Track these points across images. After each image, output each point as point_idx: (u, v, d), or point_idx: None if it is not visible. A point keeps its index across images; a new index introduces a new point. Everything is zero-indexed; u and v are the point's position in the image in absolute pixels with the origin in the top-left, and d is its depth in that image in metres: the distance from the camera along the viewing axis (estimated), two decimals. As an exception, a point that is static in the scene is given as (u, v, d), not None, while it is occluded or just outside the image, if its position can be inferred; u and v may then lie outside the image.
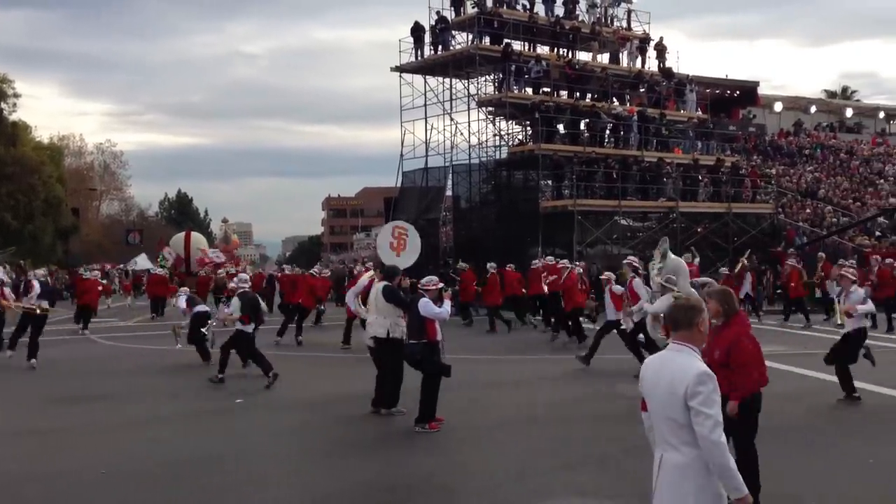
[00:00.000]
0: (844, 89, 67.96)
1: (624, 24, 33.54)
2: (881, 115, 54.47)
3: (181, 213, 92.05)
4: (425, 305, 9.37)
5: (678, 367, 3.84)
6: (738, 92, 46.42)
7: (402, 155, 32.44)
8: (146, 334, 21.44)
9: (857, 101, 61.83)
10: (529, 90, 29.57)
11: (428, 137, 31.86)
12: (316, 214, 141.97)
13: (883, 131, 52.63)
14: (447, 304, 9.75)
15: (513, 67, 28.53)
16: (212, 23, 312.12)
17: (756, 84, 47.70)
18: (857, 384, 10.89)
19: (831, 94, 64.18)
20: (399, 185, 33.09)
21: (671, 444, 3.84)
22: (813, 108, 52.06)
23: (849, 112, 54.50)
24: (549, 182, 29.39)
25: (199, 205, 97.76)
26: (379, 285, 10.47)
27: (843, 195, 37.10)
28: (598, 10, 32.87)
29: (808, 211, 34.39)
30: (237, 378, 13.20)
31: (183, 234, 39.37)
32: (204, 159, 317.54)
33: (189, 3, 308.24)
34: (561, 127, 29.34)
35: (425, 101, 31.54)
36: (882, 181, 40.23)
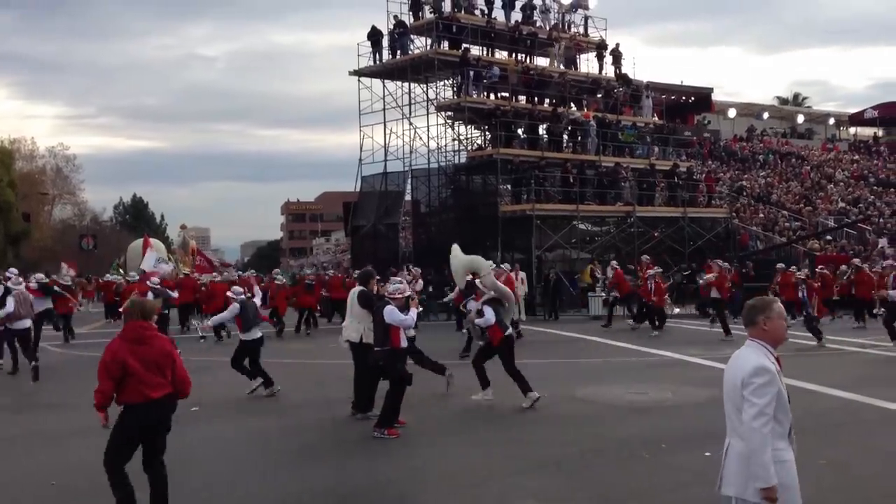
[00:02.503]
0: (796, 96, 69.41)
1: (581, 30, 33.86)
2: (831, 121, 55.78)
3: (136, 217, 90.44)
4: (390, 313, 9.37)
5: (743, 360, 4.16)
6: (692, 98, 47.19)
7: (361, 159, 32.40)
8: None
9: (809, 107, 63.24)
10: (495, 95, 29.71)
11: (387, 142, 31.88)
12: (275, 219, 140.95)
13: (833, 137, 53.89)
14: (413, 312, 9.75)
15: (471, 72, 28.62)
16: (167, 25, 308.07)
17: (710, 90, 48.55)
18: (808, 386, 11.07)
19: (783, 101, 65.48)
20: (358, 189, 32.98)
21: (738, 433, 4.13)
22: (765, 115, 53.13)
23: (800, 118, 55.72)
24: (508, 187, 29.53)
25: (155, 209, 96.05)
26: (355, 290, 10.57)
27: (794, 200, 37.86)
28: (556, 16, 33.14)
29: (761, 215, 35.01)
30: (197, 385, 12.99)
31: (141, 240, 38.62)
32: (160, 163, 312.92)
33: (144, 5, 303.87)
34: (520, 131, 29.51)
35: (384, 106, 31.55)
36: (832, 186, 41.17)
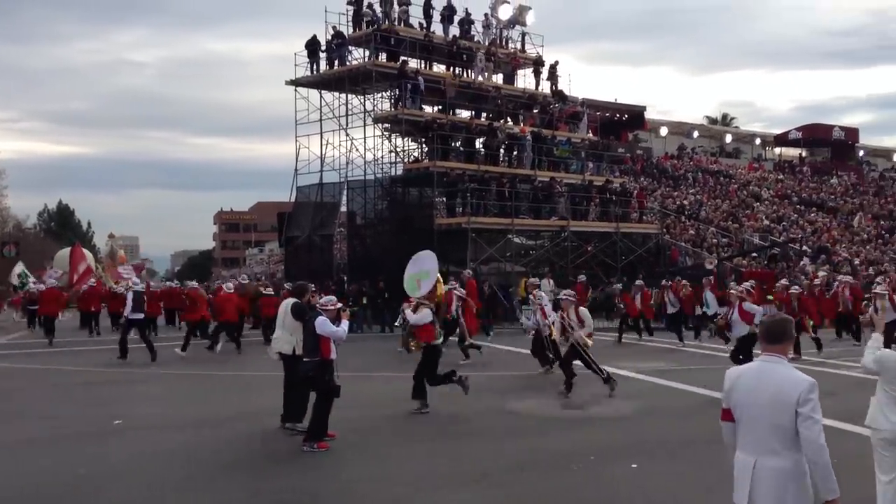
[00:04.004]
0: (724, 116, 71.40)
1: (518, 45, 34.24)
2: (757, 141, 57.56)
3: (62, 225, 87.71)
4: (322, 324, 9.31)
5: (783, 376, 4.14)
6: (626, 116, 48.14)
7: (296, 169, 32.06)
8: (27, 352, 20.31)
9: (736, 127, 65.16)
10: (427, 108, 29.78)
11: (323, 152, 31.64)
12: (207, 228, 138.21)
13: (759, 157, 55.58)
14: (345, 324, 9.69)
15: (409, 84, 28.66)
16: (97, 29, 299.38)
17: (643, 109, 49.62)
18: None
19: (712, 121, 67.32)
20: (293, 199, 32.64)
21: (773, 450, 4.07)
22: (696, 134, 54.53)
23: (728, 138, 57.37)
24: (444, 199, 29.60)
25: (82, 217, 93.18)
26: (288, 301, 10.53)
27: (722, 217, 38.88)
28: (494, 31, 33.45)
29: (691, 232, 35.82)
30: (117, 400, 12.66)
31: (68, 249, 37.50)
32: (87, 169, 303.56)
33: (73, 9, 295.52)
34: (457, 145, 29.65)
35: (321, 116, 31.34)
36: (758, 204, 42.42)
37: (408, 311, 11.80)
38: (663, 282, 23.21)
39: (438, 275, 13.72)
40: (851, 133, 58.04)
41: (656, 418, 11.13)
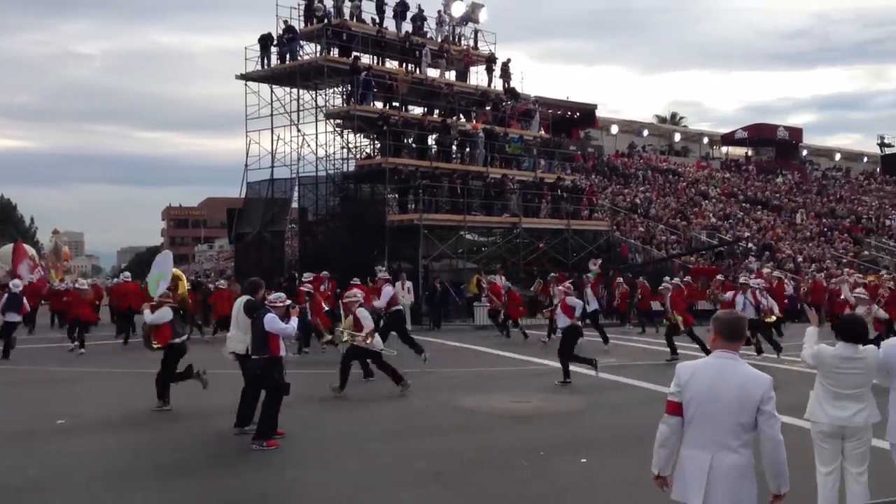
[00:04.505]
0: (673, 115, 72.38)
1: (471, 43, 34.31)
2: (705, 140, 58.53)
3: (4, 220, 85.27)
4: (271, 321, 9.22)
5: (745, 374, 4.17)
6: (578, 114, 48.51)
7: (246, 165, 31.70)
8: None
9: (685, 127, 66.12)
10: (380, 104, 29.67)
11: (274, 148, 31.31)
12: (155, 224, 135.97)
13: (707, 156, 56.51)
14: (294, 321, 9.62)
15: (361, 80, 28.51)
16: (42, 21, 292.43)
17: (595, 107, 50.05)
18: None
19: (662, 120, 68.22)
20: (244, 195, 32.25)
21: (729, 447, 4.09)
22: (645, 132, 55.24)
23: (677, 137, 58.24)
24: (396, 196, 29.54)
25: (25, 212, 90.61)
26: (241, 299, 10.33)
27: (671, 214, 39.49)
28: (447, 28, 33.45)
29: (640, 229, 36.30)
30: (60, 399, 12.38)
31: (10, 246, 36.49)
32: (31, 163, 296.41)
33: (17, 0, 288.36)
34: (409, 141, 29.59)
35: (272, 111, 31.01)
36: (705, 202, 43.19)
37: (146, 311, 11.65)
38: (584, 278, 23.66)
39: (182, 274, 13.78)
40: (795, 133, 59.40)
41: (605, 413, 11.26)
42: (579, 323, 14.40)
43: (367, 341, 12.36)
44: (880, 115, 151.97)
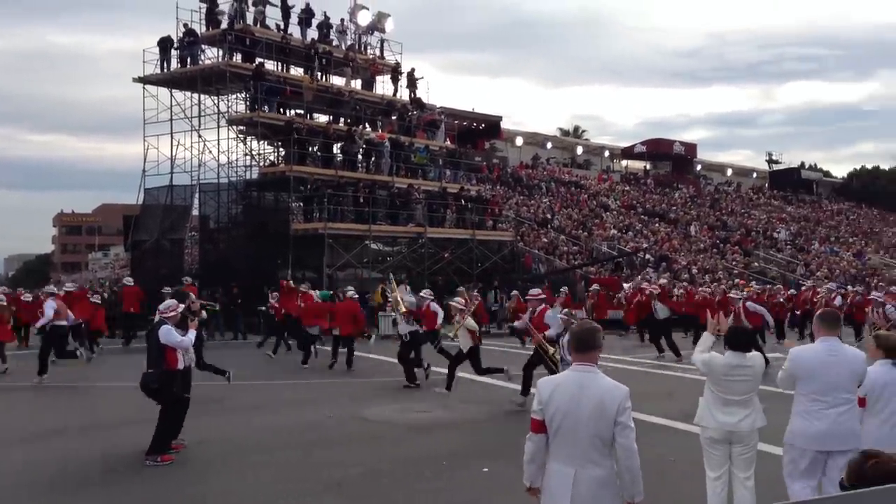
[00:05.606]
0: (576, 129, 74.15)
1: (378, 52, 34.29)
2: (606, 153, 60.17)
3: None
4: (166, 333, 8.93)
5: (601, 387, 4.16)
6: (483, 125, 49.05)
7: (144, 171, 30.71)
8: None
9: (587, 140, 67.81)
10: (289, 112, 29.27)
11: (173, 154, 30.45)
12: (46, 231, 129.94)
13: (608, 169, 58.09)
14: (191, 333, 9.32)
15: (265, 87, 28.08)
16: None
17: (500, 119, 50.69)
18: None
19: (565, 133, 69.81)
20: (141, 202, 31.23)
21: (592, 461, 4.11)
22: (549, 144, 56.38)
23: (579, 150, 59.66)
24: (301, 204, 29.19)
25: None
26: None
27: (573, 226, 40.37)
28: (352, 36, 33.35)
29: (544, 240, 36.96)
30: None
31: None
32: None
33: None
34: (315, 149, 29.29)
35: (171, 116, 30.14)
36: (606, 213, 44.36)
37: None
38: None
39: None
40: (690, 148, 61.77)
41: (505, 422, 11.37)
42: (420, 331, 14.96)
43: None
44: (769, 133, 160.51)
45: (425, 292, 16.60)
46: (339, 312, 17.36)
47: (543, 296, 13.56)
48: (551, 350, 11.58)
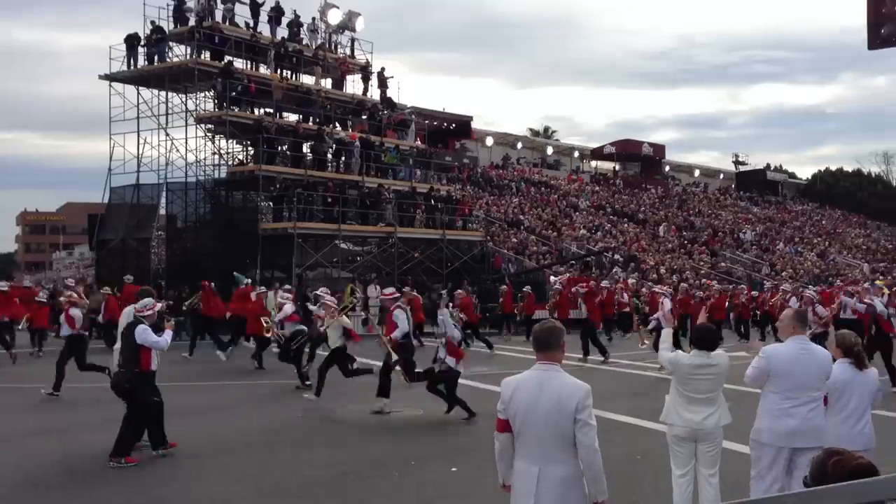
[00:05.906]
0: (546, 129, 74.46)
1: (348, 51, 34.16)
2: (576, 154, 60.51)
3: None
4: (142, 333, 8.82)
5: (561, 385, 4.16)
6: (454, 125, 49.14)
7: (110, 169, 30.28)
8: None
9: (557, 140, 68.10)
10: (258, 111, 29.05)
11: (140, 152, 30.06)
12: (8, 230, 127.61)
13: (577, 169, 58.41)
14: (168, 334, 9.19)
15: (234, 85, 27.84)
16: None
17: (470, 119, 50.82)
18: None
19: (535, 133, 70.03)
20: (107, 201, 30.81)
21: (557, 459, 4.12)
22: (519, 145, 56.55)
23: (549, 150, 59.92)
24: (270, 204, 28.98)
25: None
26: (130, 309, 9.62)
27: (543, 226, 40.55)
28: (322, 35, 33.18)
29: (514, 239, 37.09)
30: None
31: None
32: None
33: None
34: (284, 148, 29.11)
35: (138, 114, 29.74)
36: (576, 213, 44.63)
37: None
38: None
39: None
40: (658, 149, 62.31)
41: (474, 421, 11.38)
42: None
43: None
44: (736, 135, 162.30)
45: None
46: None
47: (398, 295, 13.33)
48: (394, 356, 11.73)
